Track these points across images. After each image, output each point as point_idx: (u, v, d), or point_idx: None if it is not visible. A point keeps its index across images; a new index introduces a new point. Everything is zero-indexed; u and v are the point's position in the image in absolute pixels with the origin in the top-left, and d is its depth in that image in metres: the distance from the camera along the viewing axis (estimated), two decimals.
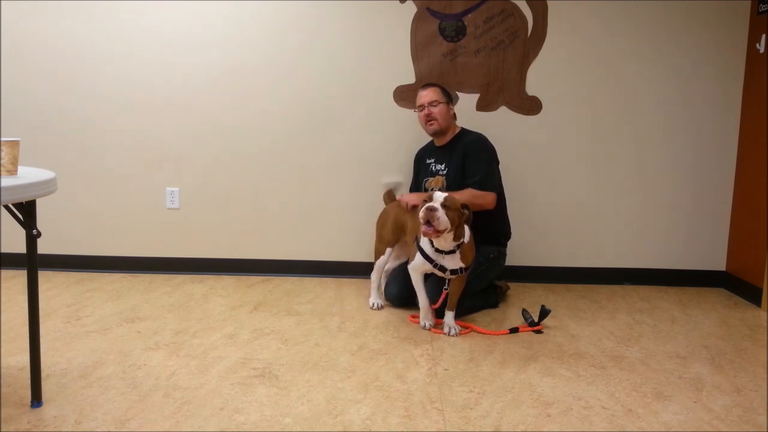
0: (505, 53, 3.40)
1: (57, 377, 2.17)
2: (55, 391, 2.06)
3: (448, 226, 2.48)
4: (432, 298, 2.77)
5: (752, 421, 1.98)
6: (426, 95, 3.06)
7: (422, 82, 3.37)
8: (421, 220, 2.47)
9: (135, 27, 3.42)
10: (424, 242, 2.66)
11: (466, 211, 2.56)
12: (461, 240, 2.61)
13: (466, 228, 2.65)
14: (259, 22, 3.41)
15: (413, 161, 3.30)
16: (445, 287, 2.71)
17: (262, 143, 3.50)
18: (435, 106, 3.03)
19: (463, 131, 3.11)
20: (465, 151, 2.98)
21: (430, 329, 2.73)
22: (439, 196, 2.50)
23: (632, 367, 2.37)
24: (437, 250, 2.62)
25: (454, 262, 2.63)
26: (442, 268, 2.65)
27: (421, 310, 2.76)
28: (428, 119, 3.05)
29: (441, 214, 2.45)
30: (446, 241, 2.58)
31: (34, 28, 3.43)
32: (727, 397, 2.14)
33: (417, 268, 2.72)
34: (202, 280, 3.45)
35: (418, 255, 2.68)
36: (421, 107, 3.07)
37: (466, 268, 2.67)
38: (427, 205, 2.47)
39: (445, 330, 2.69)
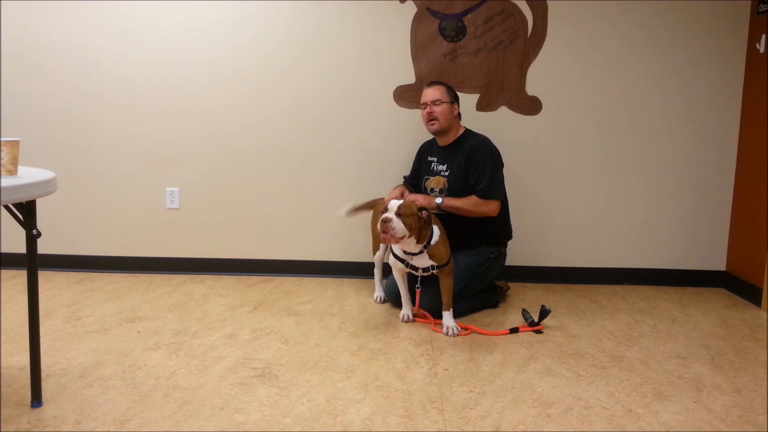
0: (505, 53, 3.40)
1: (57, 377, 2.17)
2: (55, 391, 2.06)
3: (406, 232, 2.57)
4: (427, 303, 2.84)
5: (752, 421, 1.98)
6: (430, 93, 3.03)
7: (423, 82, 3.37)
8: (379, 230, 2.58)
9: (135, 27, 3.42)
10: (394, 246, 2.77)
11: (424, 214, 2.62)
12: (427, 242, 2.67)
13: (436, 229, 2.71)
14: (259, 23, 3.41)
15: (416, 153, 3.28)
16: (417, 285, 2.79)
17: (263, 143, 3.50)
18: (438, 105, 2.99)
19: (468, 133, 3.07)
20: (469, 154, 2.95)
21: (412, 321, 2.83)
22: (394, 205, 2.59)
23: (632, 367, 2.37)
24: (405, 252, 2.72)
25: (423, 262, 2.72)
26: (414, 267, 2.74)
27: (402, 302, 2.87)
28: (430, 118, 3.03)
29: (396, 223, 2.55)
30: (410, 245, 2.67)
31: (34, 28, 3.43)
32: (727, 397, 2.14)
33: (393, 266, 2.84)
34: (202, 280, 3.45)
35: (391, 256, 2.82)
36: (424, 105, 3.04)
37: (440, 266, 2.72)
38: (383, 217, 2.56)
39: (444, 330, 2.69)
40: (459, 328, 2.70)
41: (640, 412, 2.02)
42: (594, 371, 2.33)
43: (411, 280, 2.85)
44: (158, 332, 2.63)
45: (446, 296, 2.74)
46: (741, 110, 3.42)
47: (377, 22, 3.39)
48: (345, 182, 3.52)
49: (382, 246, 3.09)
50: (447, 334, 2.67)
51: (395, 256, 2.78)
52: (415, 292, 2.86)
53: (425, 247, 2.67)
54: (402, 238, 2.58)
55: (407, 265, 2.75)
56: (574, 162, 3.49)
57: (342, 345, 2.54)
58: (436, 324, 2.76)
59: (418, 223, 2.60)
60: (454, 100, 3.04)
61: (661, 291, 3.44)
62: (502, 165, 3.04)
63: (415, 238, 2.63)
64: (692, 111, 3.44)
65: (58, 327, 2.66)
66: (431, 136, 3.19)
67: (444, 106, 3.00)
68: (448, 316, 2.73)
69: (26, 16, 3.42)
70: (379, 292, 3.13)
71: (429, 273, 2.75)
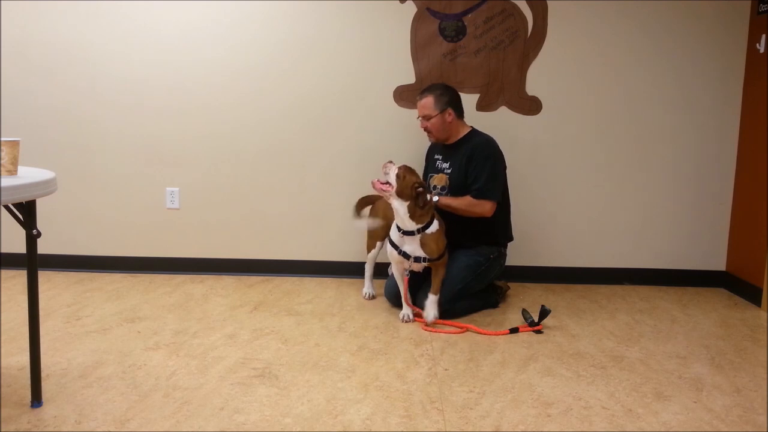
0: (505, 53, 3.40)
1: (57, 377, 2.17)
2: (55, 391, 2.06)
3: (394, 184, 2.69)
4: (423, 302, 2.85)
5: (752, 421, 1.98)
6: (420, 108, 3.03)
7: (423, 82, 3.38)
8: (382, 171, 2.74)
9: (135, 27, 3.42)
10: (393, 229, 2.82)
11: (419, 189, 2.70)
12: (422, 225, 2.73)
13: (435, 222, 2.77)
14: (260, 22, 3.41)
15: (426, 152, 3.30)
16: (407, 273, 2.82)
17: (263, 143, 3.50)
18: (428, 119, 2.99)
19: (473, 133, 3.06)
20: (471, 153, 2.95)
21: (412, 321, 2.83)
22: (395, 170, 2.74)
23: (632, 367, 2.37)
24: (398, 229, 2.76)
25: (414, 249, 2.75)
26: (406, 255, 2.76)
27: (403, 302, 2.88)
28: (425, 131, 3.06)
29: (393, 169, 2.71)
30: (401, 213, 2.72)
31: (34, 28, 3.43)
32: (727, 397, 2.14)
33: (389, 257, 2.87)
34: (202, 280, 3.45)
35: (388, 245, 2.85)
36: (419, 117, 3.06)
37: (431, 259, 2.76)
38: (389, 161, 2.76)
39: (424, 315, 2.75)
40: (438, 316, 2.74)
41: (640, 412, 2.02)
42: (594, 371, 2.33)
43: (411, 279, 2.86)
44: (158, 332, 2.63)
45: (437, 281, 2.79)
46: (741, 110, 3.42)
47: (377, 22, 3.39)
48: (345, 182, 3.52)
49: (378, 244, 3.13)
50: (427, 319, 2.72)
51: (391, 242, 2.81)
52: (416, 293, 2.87)
53: (419, 231, 2.71)
54: (387, 187, 2.68)
55: (400, 252, 2.76)
56: (574, 162, 3.49)
57: (342, 345, 2.54)
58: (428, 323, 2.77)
59: (410, 191, 2.68)
60: (447, 105, 2.97)
61: (661, 291, 3.44)
62: (504, 166, 3.04)
63: (408, 209, 2.69)
64: (692, 111, 3.44)
65: (58, 327, 2.66)
66: None
67: (435, 119, 2.98)
68: (432, 302, 2.76)
69: (26, 16, 3.42)
70: (367, 289, 3.19)
71: (420, 264, 2.77)
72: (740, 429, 1.92)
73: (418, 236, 2.73)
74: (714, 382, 2.26)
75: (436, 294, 2.77)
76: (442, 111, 2.97)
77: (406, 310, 2.84)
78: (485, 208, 2.91)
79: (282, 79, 3.45)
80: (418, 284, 2.90)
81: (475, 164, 2.93)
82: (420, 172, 3.38)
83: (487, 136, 3.04)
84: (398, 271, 2.86)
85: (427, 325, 2.73)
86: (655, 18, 3.37)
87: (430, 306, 2.75)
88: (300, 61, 3.44)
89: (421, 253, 2.74)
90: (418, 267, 2.79)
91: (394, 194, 2.69)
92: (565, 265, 3.56)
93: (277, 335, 2.63)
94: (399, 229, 2.77)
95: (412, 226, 2.72)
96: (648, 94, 3.43)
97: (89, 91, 3.47)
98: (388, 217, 3.05)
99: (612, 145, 3.47)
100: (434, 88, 3.04)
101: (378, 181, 2.73)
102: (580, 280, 3.55)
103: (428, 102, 2.98)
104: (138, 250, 3.59)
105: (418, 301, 2.89)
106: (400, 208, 2.71)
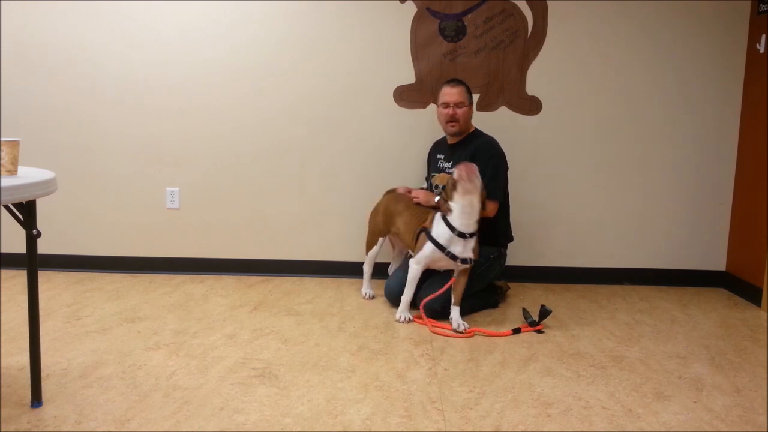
0: (505, 53, 3.40)
1: (57, 377, 2.17)
2: (55, 391, 2.06)
3: (480, 185, 2.66)
4: (428, 302, 2.83)
5: (752, 421, 1.98)
6: (454, 94, 2.98)
7: (423, 82, 3.38)
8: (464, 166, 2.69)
9: (135, 27, 3.42)
10: (440, 229, 2.72)
11: (485, 200, 2.75)
12: (478, 228, 2.73)
13: None
14: (260, 22, 3.41)
15: (428, 153, 3.31)
16: (453, 275, 2.78)
17: (263, 143, 3.50)
18: (460, 107, 2.98)
19: (476, 132, 3.08)
20: (473, 153, 2.95)
21: (408, 321, 2.81)
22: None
23: (632, 367, 2.37)
24: (459, 234, 2.68)
25: (465, 250, 2.70)
26: (453, 256, 2.70)
27: (402, 302, 2.85)
28: (452, 120, 3.01)
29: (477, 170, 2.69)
30: (473, 211, 2.68)
31: (34, 28, 3.43)
32: (727, 397, 2.14)
33: (422, 258, 2.77)
34: (202, 280, 3.45)
35: (428, 244, 2.73)
36: (446, 105, 3.00)
37: (473, 260, 2.75)
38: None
39: (454, 326, 2.71)
40: (467, 325, 2.72)
41: (640, 412, 2.02)
42: (594, 371, 2.33)
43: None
44: (158, 332, 2.63)
45: (459, 293, 2.78)
46: (741, 110, 3.42)
47: (377, 22, 3.39)
48: (345, 182, 3.52)
49: (380, 241, 3.12)
50: (457, 330, 2.69)
51: (436, 243, 2.71)
52: (415, 292, 2.87)
53: (471, 235, 2.71)
54: (474, 184, 2.64)
55: (448, 253, 2.70)
56: (574, 162, 3.49)
57: (342, 345, 2.54)
58: (434, 325, 2.76)
59: (481, 197, 2.69)
60: (472, 100, 3.05)
61: (661, 291, 3.44)
62: (506, 167, 3.04)
63: (478, 211, 2.69)
64: (692, 111, 3.44)
65: (58, 327, 2.66)
66: (432, 136, 3.20)
67: (465, 108, 3.00)
68: (456, 312, 2.77)
69: (26, 16, 3.42)
70: (367, 289, 3.18)
71: (466, 265, 2.74)
72: (740, 429, 1.92)
73: (473, 238, 2.72)
74: (714, 382, 2.26)
75: (458, 305, 2.78)
76: (470, 103, 3.03)
77: (405, 312, 2.83)
78: (488, 208, 2.91)
79: (282, 79, 3.45)
80: (418, 284, 2.89)
81: (478, 164, 2.92)
82: (422, 173, 3.39)
83: (490, 136, 3.05)
84: (417, 272, 2.80)
85: (462, 331, 2.70)
86: (655, 18, 3.37)
87: (457, 317, 2.76)
88: (300, 61, 3.44)
89: (470, 254, 2.73)
90: (464, 265, 2.76)
91: (477, 200, 2.69)
92: (565, 265, 3.57)
93: (277, 335, 2.63)
94: (459, 233, 2.68)
95: (474, 227, 2.71)
96: (648, 94, 3.43)
97: (89, 91, 3.48)
98: (391, 214, 3.04)
99: (612, 145, 3.48)
100: (461, 81, 3.07)
101: (469, 173, 2.68)
102: (580, 280, 3.55)
103: (463, 90, 3.01)
104: (138, 250, 3.59)
105: (415, 301, 2.88)
106: (476, 205, 2.69)
